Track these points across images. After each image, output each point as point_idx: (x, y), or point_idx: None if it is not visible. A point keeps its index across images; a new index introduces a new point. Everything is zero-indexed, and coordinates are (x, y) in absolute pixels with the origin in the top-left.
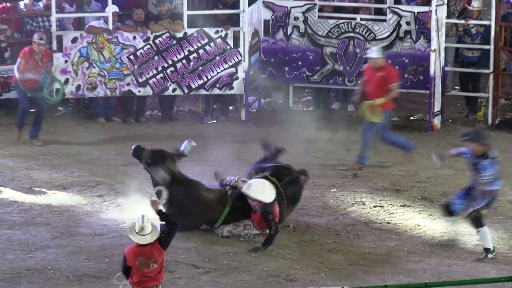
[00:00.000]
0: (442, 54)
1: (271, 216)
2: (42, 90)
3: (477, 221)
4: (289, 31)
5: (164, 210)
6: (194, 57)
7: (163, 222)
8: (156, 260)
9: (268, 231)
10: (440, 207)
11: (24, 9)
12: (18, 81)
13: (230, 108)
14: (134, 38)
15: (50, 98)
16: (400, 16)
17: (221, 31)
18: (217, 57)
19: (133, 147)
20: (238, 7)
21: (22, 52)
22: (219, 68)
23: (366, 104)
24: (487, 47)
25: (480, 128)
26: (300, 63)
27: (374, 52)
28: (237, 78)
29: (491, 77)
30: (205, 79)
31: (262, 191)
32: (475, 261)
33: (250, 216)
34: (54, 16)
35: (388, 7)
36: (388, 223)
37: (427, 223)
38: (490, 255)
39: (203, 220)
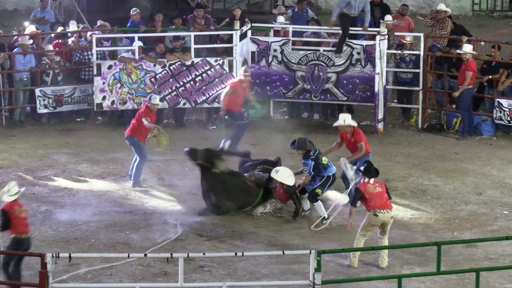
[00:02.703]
0: (384, 76)
1: (295, 196)
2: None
3: (312, 198)
4: (270, 59)
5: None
6: (199, 79)
7: None
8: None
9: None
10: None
11: (72, 44)
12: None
13: (226, 117)
14: (154, 65)
15: (254, 115)
16: (353, 48)
17: (219, 60)
18: (216, 79)
19: (186, 149)
20: (232, 42)
21: (233, 83)
22: (218, 88)
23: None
24: (417, 70)
25: (301, 138)
26: (278, 83)
27: (341, 121)
28: None
29: (420, 93)
30: (208, 96)
31: (287, 176)
32: (408, 230)
33: (274, 194)
34: (95, 49)
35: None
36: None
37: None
38: (326, 222)
39: (243, 202)
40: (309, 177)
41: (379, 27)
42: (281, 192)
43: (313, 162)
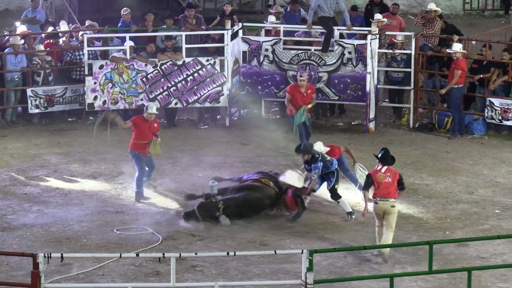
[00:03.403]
0: (375, 76)
1: (299, 199)
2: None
3: (335, 195)
4: (261, 59)
5: None
6: (190, 79)
7: None
8: None
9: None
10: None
11: (63, 44)
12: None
13: (218, 117)
14: (146, 65)
15: (296, 121)
16: (344, 47)
17: (211, 59)
18: (208, 79)
19: (302, 145)
20: (223, 42)
21: (289, 87)
22: (209, 87)
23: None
24: (408, 70)
25: (303, 144)
26: (269, 83)
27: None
28: (223, 94)
29: (412, 92)
30: (199, 95)
31: (296, 178)
32: (400, 229)
33: (282, 201)
34: (86, 49)
35: (335, 41)
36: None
37: (363, 202)
38: (352, 216)
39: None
40: (316, 180)
41: None
42: (291, 198)
43: (321, 163)
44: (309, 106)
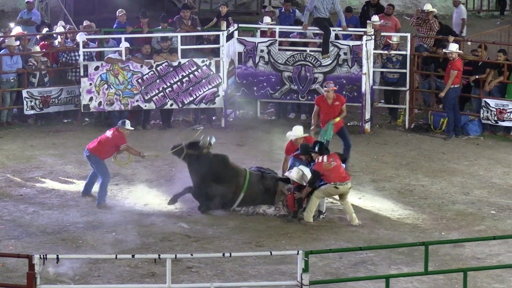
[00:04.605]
0: (371, 76)
1: (297, 195)
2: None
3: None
4: (257, 60)
5: None
6: (186, 80)
7: None
8: None
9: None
10: None
11: (58, 45)
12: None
13: (213, 118)
14: (141, 66)
15: (324, 138)
16: (339, 48)
17: (206, 60)
18: (203, 80)
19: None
20: (218, 43)
21: (316, 98)
22: (205, 88)
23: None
24: (404, 71)
25: (302, 144)
26: (265, 84)
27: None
28: (218, 95)
29: (407, 93)
30: (195, 96)
31: (301, 175)
32: (395, 230)
33: (283, 200)
34: (81, 50)
35: (330, 42)
36: (332, 202)
37: (361, 203)
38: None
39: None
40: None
41: None
42: (292, 199)
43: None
44: (337, 119)
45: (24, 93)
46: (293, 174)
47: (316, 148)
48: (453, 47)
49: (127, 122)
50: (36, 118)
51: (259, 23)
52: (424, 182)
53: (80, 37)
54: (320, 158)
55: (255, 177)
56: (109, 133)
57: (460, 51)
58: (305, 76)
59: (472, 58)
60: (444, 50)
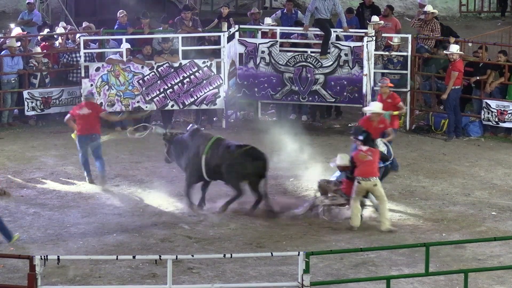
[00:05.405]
0: (372, 78)
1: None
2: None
3: None
4: (258, 61)
5: None
6: (187, 81)
7: None
8: None
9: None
10: None
11: (59, 46)
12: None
13: (214, 119)
14: (142, 67)
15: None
16: (340, 49)
17: (207, 61)
18: (204, 81)
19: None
20: (219, 44)
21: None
22: (206, 89)
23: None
24: (405, 72)
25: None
26: (266, 85)
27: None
28: (219, 96)
29: (408, 94)
30: (196, 97)
31: (347, 160)
32: (396, 231)
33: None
34: (82, 51)
35: (331, 43)
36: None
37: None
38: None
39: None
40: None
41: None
42: (348, 183)
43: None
44: (395, 112)
45: (25, 94)
46: (338, 161)
47: (361, 137)
48: (454, 48)
49: (94, 91)
50: (37, 119)
51: (260, 24)
52: (425, 183)
53: (81, 38)
54: (362, 147)
55: (219, 141)
56: (85, 110)
57: (461, 52)
58: (306, 77)
59: (473, 59)
60: (445, 52)
